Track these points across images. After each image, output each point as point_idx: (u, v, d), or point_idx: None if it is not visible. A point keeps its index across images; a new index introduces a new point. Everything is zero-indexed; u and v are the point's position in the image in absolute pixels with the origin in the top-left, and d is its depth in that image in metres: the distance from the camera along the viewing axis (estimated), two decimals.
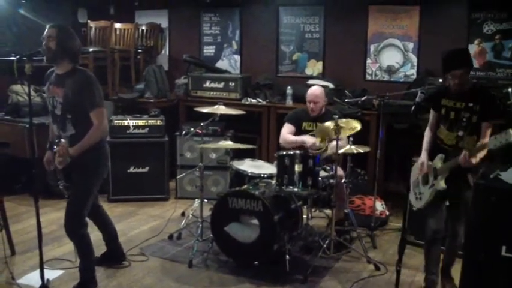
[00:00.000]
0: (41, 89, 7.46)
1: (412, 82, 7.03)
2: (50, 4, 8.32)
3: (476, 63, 6.82)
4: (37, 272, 4.26)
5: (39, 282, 4.19)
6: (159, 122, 7.44)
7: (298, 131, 6.16)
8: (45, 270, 4.21)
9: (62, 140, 4.37)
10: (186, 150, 7.45)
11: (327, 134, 5.54)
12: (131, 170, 7.34)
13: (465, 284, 4.18)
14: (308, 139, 5.91)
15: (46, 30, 4.39)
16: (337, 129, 5.29)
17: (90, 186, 4.59)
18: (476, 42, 6.83)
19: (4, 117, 7.31)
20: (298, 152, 5.29)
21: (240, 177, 5.76)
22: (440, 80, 6.51)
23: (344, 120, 5.41)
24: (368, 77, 7.66)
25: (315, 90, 6.19)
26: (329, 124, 5.36)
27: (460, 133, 4.32)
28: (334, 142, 5.34)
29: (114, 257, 5.29)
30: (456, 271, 4.53)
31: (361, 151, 5.60)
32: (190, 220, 6.22)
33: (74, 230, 4.56)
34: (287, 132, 6.16)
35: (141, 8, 9.35)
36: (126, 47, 8.72)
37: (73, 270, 4.99)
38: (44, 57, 4.39)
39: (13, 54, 7.42)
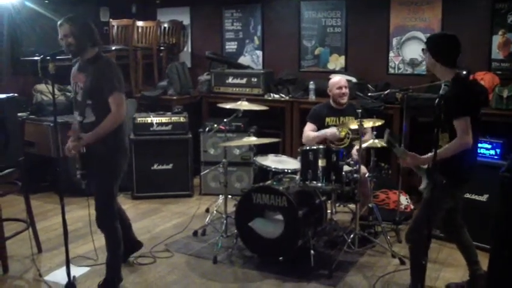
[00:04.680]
0: (64, 88, 7.53)
1: None
2: (72, 4, 8.37)
3: (500, 54, 6.75)
4: (63, 269, 4.30)
5: (66, 279, 4.21)
6: (182, 119, 7.46)
7: (322, 128, 6.14)
8: (71, 267, 4.24)
9: (73, 125, 4.38)
10: (210, 146, 7.46)
11: (350, 127, 5.64)
12: (155, 167, 7.38)
13: (492, 279, 4.14)
14: (328, 131, 5.92)
15: (59, 29, 4.40)
16: (361, 126, 5.30)
17: (112, 177, 4.60)
18: (500, 33, 6.73)
19: (29, 116, 7.37)
20: (321, 147, 5.28)
21: (264, 172, 5.76)
22: (464, 72, 6.45)
23: (366, 120, 5.41)
24: (391, 71, 7.60)
25: (341, 77, 6.34)
26: (353, 120, 5.39)
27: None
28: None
29: (131, 247, 5.28)
30: (483, 266, 4.50)
31: (385, 145, 5.56)
32: (215, 216, 6.24)
33: (107, 223, 4.61)
34: (309, 130, 6.17)
35: (162, 5, 9.39)
36: (148, 44, 8.75)
37: (99, 267, 5.05)
38: (70, 55, 4.42)
39: (37, 54, 7.50)
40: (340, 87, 6.13)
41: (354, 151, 5.89)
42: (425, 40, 4.38)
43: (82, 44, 4.39)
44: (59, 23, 4.42)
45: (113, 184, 4.62)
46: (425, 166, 4.32)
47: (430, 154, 4.11)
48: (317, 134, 6.05)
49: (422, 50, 4.33)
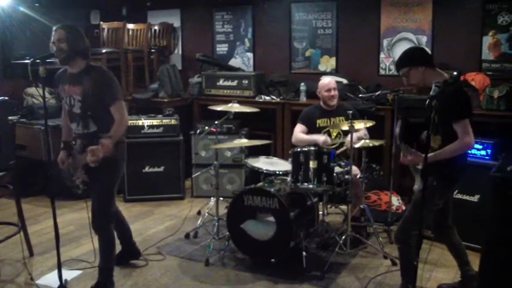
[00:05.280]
0: (55, 91, 7.50)
1: None
2: (63, 7, 8.36)
3: (491, 55, 6.77)
4: (55, 273, 4.29)
5: (58, 283, 4.21)
6: (173, 121, 7.46)
7: (313, 129, 6.15)
8: (63, 271, 4.23)
9: (104, 140, 4.36)
10: (201, 148, 7.46)
11: (342, 129, 5.69)
12: (147, 169, 7.37)
13: (484, 279, 4.15)
14: (321, 139, 5.91)
15: (53, 33, 4.39)
16: (352, 126, 5.31)
17: (114, 180, 4.63)
18: (490, 33, 6.75)
19: (20, 119, 7.35)
20: (312, 148, 5.28)
21: (255, 174, 5.76)
22: (455, 73, 6.49)
23: (356, 121, 5.41)
24: (382, 72, 7.61)
25: (330, 79, 6.33)
26: (343, 122, 5.41)
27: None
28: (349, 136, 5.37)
29: (129, 255, 5.32)
30: (474, 266, 4.51)
31: (377, 144, 5.58)
32: (207, 219, 6.23)
33: (104, 225, 4.61)
34: (299, 131, 6.17)
35: (153, 8, 9.37)
36: (139, 47, 8.74)
37: (91, 271, 5.04)
38: (58, 60, 4.40)
39: (27, 58, 7.48)
40: (329, 90, 6.14)
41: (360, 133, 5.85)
42: (405, 57, 4.37)
43: (73, 53, 4.37)
44: (55, 27, 4.41)
45: (114, 187, 4.65)
46: (420, 166, 4.34)
47: (431, 153, 4.12)
48: (308, 138, 6.03)
49: (403, 74, 4.33)
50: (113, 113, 4.41)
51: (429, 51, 4.40)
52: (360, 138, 5.69)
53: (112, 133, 4.39)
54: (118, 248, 5.16)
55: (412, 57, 4.30)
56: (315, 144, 5.64)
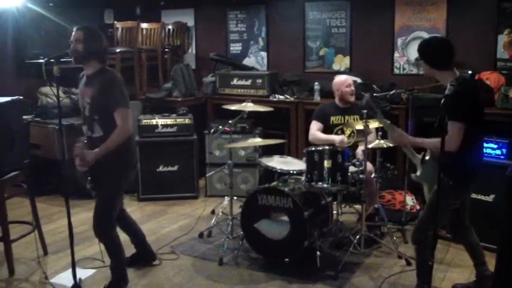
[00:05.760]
0: (69, 90, 7.54)
1: None
2: (77, 7, 8.39)
3: (506, 54, 6.72)
4: (69, 272, 4.29)
5: (72, 282, 4.22)
6: (187, 121, 7.46)
7: (327, 126, 6.15)
8: (77, 270, 4.24)
9: (78, 143, 4.39)
10: (215, 148, 7.46)
11: (355, 127, 5.75)
12: (160, 169, 7.38)
13: (499, 280, 4.11)
14: (337, 138, 5.90)
15: (73, 33, 4.44)
16: (366, 126, 5.29)
17: (116, 187, 4.62)
18: (505, 32, 6.70)
19: (34, 119, 7.37)
20: (327, 147, 5.27)
21: (269, 174, 5.75)
22: (470, 72, 6.44)
23: (371, 120, 5.38)
24: (396, 71, 7.58)
25: (346, 76, 6.38)
26: (357, 121, 5.39)
27: None
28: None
29: (144, 258, 5.31)
30: (490, 266, 4.48)
31: (391, 145, 5.54)
32: (220, 218, 6.22)
33: (103, 231, 4.61)
34: (316, 129, 6.16)
35: (167, 7, 9.39)
36: (153, 46, 8.76)
37: (105, 269, 5.03)
38: (72, 59, 4.42)
39: (41, 57, 7.51)
40: (349, 85, 6.16)
41: (359, 151, 5.91)
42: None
43: (87, 54, 4.40)
44: (75, 27, 4.46)
45: (117, 194, 4.65)
46: (420, 155, 4.34)
47: (419, 138, 4.24)
48: (326, 138, 6.01)
49: (416, 59, 4.33)
50: (116, 119, 4.40)
51: (448, 51, 4.22)
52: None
53: (109, 139, 4.38)
54: (130, 250, 5.18)
55: (423, 52, 4.23)
56: (330, 144, 5.63)
